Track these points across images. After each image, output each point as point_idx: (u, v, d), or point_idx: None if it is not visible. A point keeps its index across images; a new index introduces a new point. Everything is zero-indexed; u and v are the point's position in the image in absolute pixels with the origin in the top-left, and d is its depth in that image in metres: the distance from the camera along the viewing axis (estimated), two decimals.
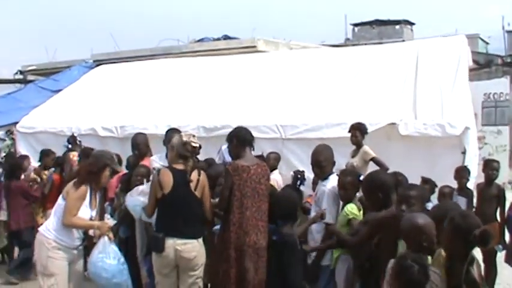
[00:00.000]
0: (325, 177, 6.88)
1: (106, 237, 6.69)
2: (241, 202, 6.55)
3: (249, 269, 6.46)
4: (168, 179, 6.58)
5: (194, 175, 6.64)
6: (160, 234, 6.58)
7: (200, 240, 6.64)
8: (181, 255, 6.47)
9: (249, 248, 6.49)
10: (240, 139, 6.92)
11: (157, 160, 7.94)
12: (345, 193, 6.48)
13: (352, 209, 6.35)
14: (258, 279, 6.51)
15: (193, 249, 6.51)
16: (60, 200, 6.75)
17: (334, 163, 7.02)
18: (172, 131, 8.00)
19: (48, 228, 6.67)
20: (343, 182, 6.49)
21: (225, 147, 8.77)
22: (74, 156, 10.12)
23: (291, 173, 8.08)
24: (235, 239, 6.51)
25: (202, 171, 6.81)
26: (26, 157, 11.14)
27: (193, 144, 6.63)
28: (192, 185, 6.60)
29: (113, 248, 6.70)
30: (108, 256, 6.65)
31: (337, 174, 6.81)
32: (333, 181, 6.76)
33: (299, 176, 7.66)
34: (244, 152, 6.84)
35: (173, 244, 6.47)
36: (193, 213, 6.62)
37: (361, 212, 6.43)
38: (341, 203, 6.64)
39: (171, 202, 6.59)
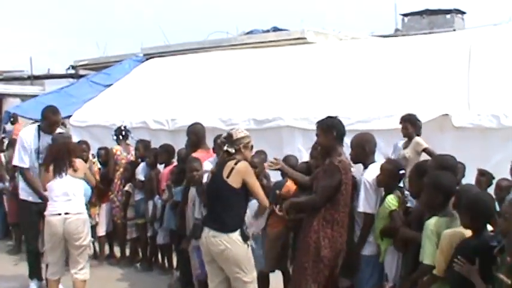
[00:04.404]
0: (365, 167, 6.60)
1: None
2: (345, 201, 6.30)
3: (339, 265, 6.32)
4: (210, 171, 6.80)
5: (230, 164, 6.33)
6: (200, 221, 6.73)
7: (233, 234, 6.28)
8: (209, 247, 6.35)
9: (342, 246, 6.33)
10: (339, 132, 6.42)
11: (210, 166, 7.65)
12: (382, 179, 6.36)
13: (392, 200, 6.26)
14: None
15: (221, 243, 6.23)
16: None
17: (365, 150, 6.56)
18: (218, 137, 7.46)
19: None
20: (382, 168, 6.39)
21: (401, 143, 8.70)
22: (117, 151, 10.25)
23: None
24: (336, 238, 6.26)
25: (243, 162, 6.36)
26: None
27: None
28: (225, 174, 6.29)
29: None
30: None
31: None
32: (371, 171, 6.50)
33: None
34: (341, 147, 6.40)
35: (205, 234, 6.38)
36: (226, 204, 6.34)
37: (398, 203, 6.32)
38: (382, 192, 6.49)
39: (207, 191, 6.70)
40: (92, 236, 8.08)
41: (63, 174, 7.58)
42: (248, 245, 6.44)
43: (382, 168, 6.41)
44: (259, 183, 6.54)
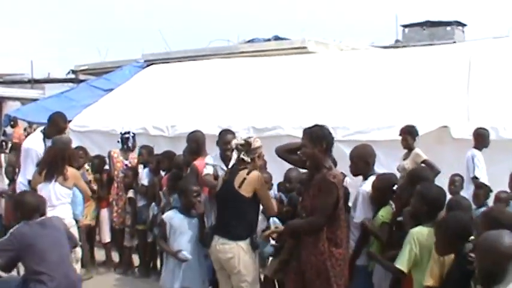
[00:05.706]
0: (365, 178, 6.60)
1: None
2: (344, 217, 6.07)
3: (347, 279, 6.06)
4: (221, 178, 6.65)
5: (242, 173, 6.30)
6: (209, 230, 6.76)
7: (242, 243, 6.29)
8: (218, 255, 6.38)
9: (348, 260, 6.10)
10: (329, 144, 5.97)
11: (211, 161, 7.74)
12: (376, 197, 6.39)
13: (385, 211, 6.28)
14: None
15: (230, 250, 6.26)
16: None
17: (369, 163, 6.61)
18: (225, 132, 7.77)
19: None
20: (373, 186, 6.39)
21: (472, 153, 8.55)
22: (115, 153, 10.26)
23: None
24: (343, 255, 5.93)
25: (255, 171, 6.32)
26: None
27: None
28: (236, 183, 6.26)
29: None
30: None
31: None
32: (370, 182, 6.47)
33: None
34: (329, 159, 6.02)
35: (215, 242, 6.39)
36: (237, 213, 6.32)
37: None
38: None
39: (218, 200, 6.62)
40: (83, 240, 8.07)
41: (53, 180, 7.66)
42: (256, 255, 6.45)
43: (373, 186, 6.41)
44: (268, 194, 6.59)
